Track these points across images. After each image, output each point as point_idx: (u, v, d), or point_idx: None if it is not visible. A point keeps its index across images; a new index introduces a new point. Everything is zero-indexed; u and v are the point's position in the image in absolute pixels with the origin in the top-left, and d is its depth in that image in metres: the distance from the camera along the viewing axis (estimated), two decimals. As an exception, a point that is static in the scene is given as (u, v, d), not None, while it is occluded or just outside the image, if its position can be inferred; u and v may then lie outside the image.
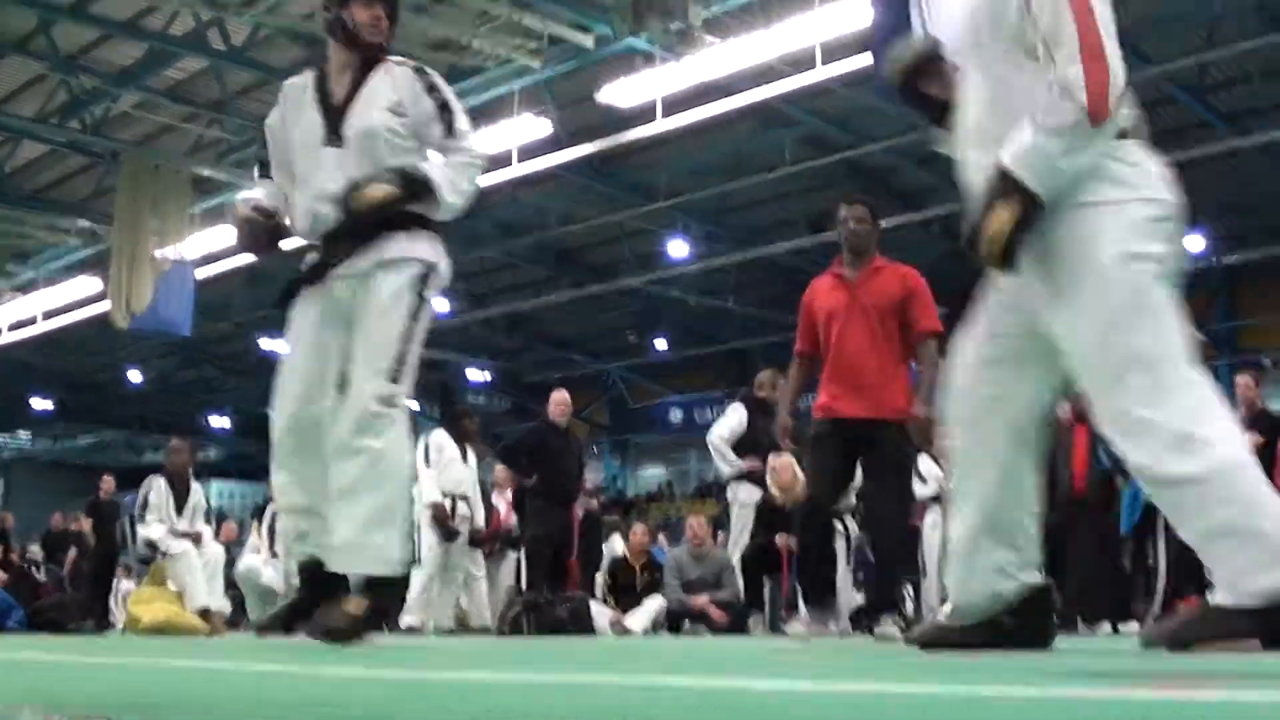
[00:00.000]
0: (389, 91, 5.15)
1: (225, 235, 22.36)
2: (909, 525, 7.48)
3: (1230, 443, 3.57)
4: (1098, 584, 10.84)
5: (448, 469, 12.13)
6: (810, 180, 24.81)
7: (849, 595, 12.00)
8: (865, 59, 15.13)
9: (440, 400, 36.14)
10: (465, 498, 12.27)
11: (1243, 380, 10.65)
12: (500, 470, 13.83)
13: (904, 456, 7.12)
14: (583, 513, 13.41)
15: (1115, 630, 10.48)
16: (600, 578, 13.42)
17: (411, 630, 11.71)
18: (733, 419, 11.84)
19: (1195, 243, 24.19)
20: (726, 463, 11.77)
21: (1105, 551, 10.91)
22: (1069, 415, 11.56)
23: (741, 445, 11.69)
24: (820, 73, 16.45)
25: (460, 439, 12.37)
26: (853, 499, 12.37)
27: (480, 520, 12.60)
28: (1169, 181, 3.80)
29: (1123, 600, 10.87)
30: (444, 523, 11.91)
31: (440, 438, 12.32)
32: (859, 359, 7.04)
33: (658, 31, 15.70)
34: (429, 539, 11.91)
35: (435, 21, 17.35)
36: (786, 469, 11.17)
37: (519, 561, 13.03)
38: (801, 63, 16.72)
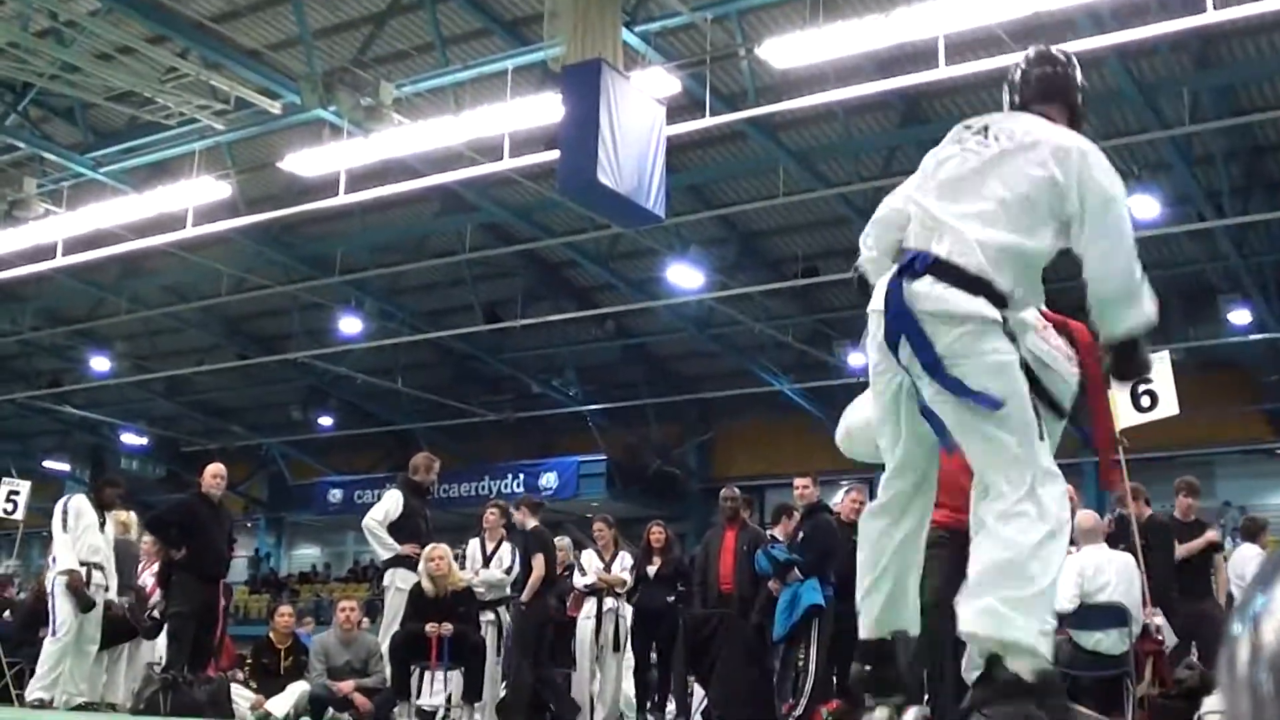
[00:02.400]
0: None
1: None
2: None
3: None
4: (741, 686, 11.04)
5: (85, 535, 11.56)
6: (488, 268, 25.01)
7: (495, 688, 11.94)
8: (552, 154, 15.35)
9: (91, 464, 34.63)
10: (101, 566, 11.72)
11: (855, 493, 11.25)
12: (148, 541, 13.29)
13: None
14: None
15: (757, 731, 10.69)
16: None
17: (41, 704, 11.10)
18: (389, 503, 11.76)
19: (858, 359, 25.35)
20: (383, 546, 11.63)
21: (750, 654, 11.12)
22: (722, 518, 11.86)
23: (400, 530, 11.56)
24: (506, 163, 16.59)
25: (101, 506, 11.83)
26: (507, 590, 12.38)
27: (114, 590, 12.03)
28: None
29: (766, 703, 11.09)
30: (80, 592, 11.32)
31: (80, 503, 11.74)
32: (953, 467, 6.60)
33: (347, 105, 15.57)
34: (64, 609, 11.31)
35: (119, 71, 16.78)
36: (442, 559, 11.07)
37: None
38: (488, 151, 16.84)
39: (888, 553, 4.35)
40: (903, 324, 4.06)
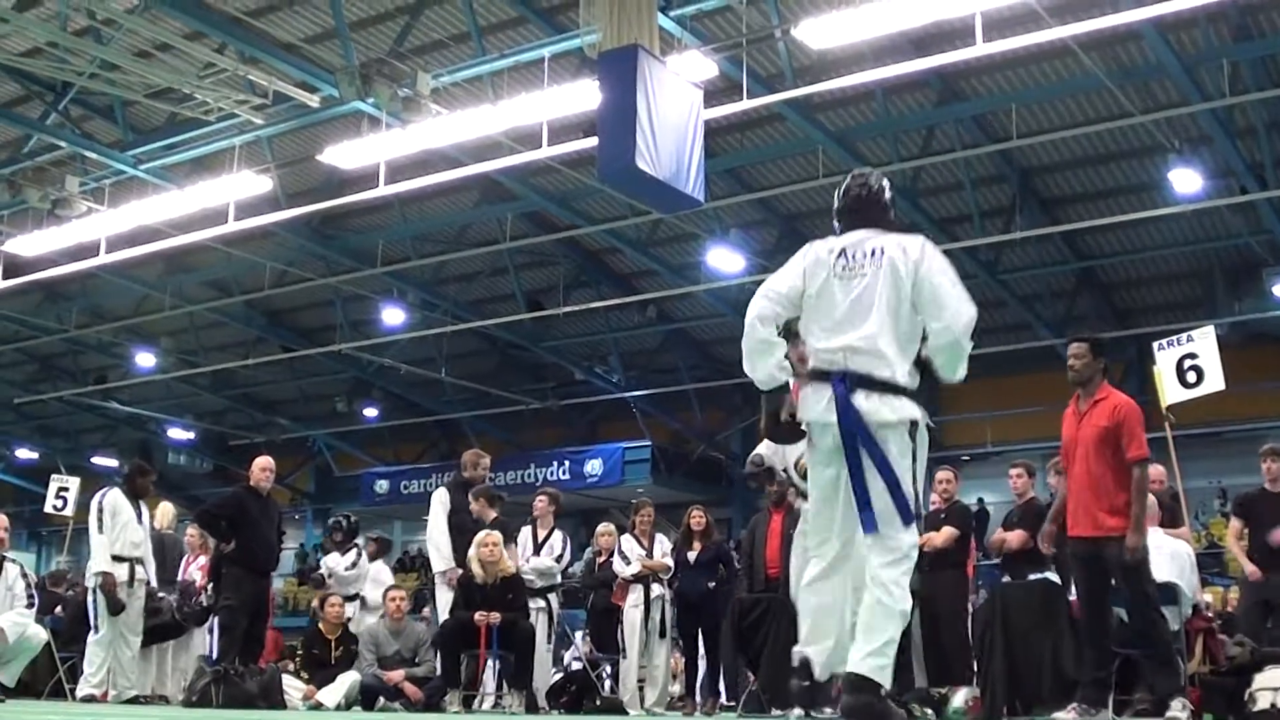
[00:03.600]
0: None
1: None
2: (1157, 614, 8.11)
3: None
4: (789, 670, 11.02)
5: (124, 531, 11.61)
6: (529, 256, 25.04)
7: (546, 671, 11.98)
8: (590, 141, 15.34)
9: (140, 458, 34.83)
10: (141, 560, 11.78)
11: (943, 474, 11.05)
12: (194, 533, 13.37)
13: (1134, 563, 7.66)
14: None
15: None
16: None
17: (91, 699, 11.21)
18: (438, 506, 11.77)
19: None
20: (439, 557, 11.63)
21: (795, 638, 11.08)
22: (768, 502, 11.83)
23: (449, 528, 11.58)
24: (545, 151, 16.59)
25: (135, 495, 11.87)
26: (558, 578, 12.40)
27: (154, 578, 12.10)
28: None
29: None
30: (111, 595, 11.39)
31: (115, 498, 11.73)
32: (1082, 485, 7.89)
33: (385, 97, 15.59)
34: (102, 608, 11.42)
35: (157, 68, 16.88)
36: (496, 545, 11.08)
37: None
38: (527, 140, 16.85)
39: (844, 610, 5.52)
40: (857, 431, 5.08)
